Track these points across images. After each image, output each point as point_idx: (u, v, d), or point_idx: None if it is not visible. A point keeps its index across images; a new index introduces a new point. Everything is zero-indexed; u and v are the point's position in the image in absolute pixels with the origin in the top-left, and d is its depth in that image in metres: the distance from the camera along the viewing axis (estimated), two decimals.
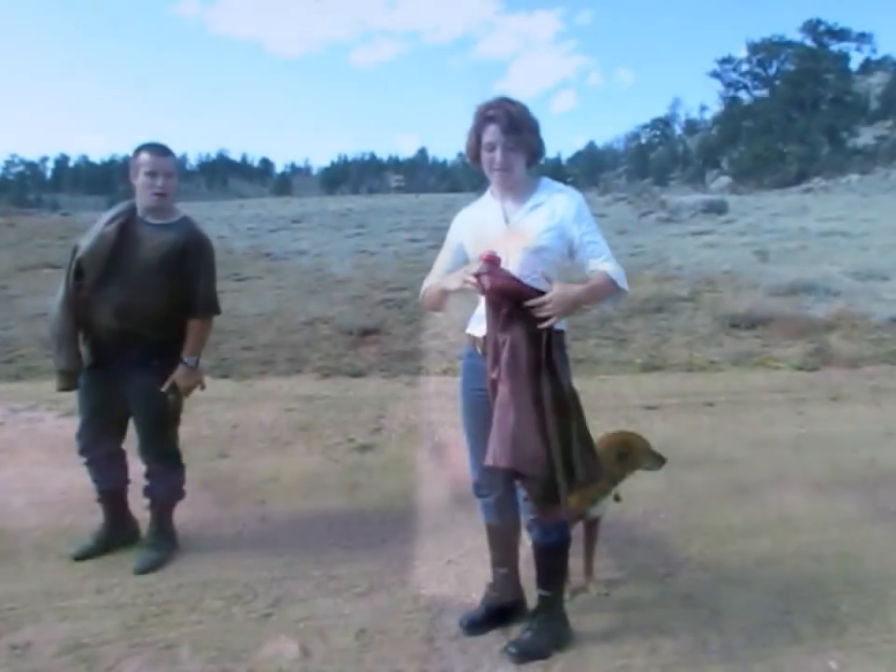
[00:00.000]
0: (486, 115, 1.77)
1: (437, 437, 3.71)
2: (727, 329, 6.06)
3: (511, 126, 1.74)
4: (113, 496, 2.45)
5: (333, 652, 1.88)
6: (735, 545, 2.48)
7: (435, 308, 1.98)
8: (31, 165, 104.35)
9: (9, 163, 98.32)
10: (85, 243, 2.26)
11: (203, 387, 2.42)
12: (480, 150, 1.81)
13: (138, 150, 2.28)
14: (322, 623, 2.02)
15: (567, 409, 1.71)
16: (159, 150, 2.27)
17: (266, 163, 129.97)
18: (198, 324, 2.34)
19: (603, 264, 1.79)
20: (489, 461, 1.65)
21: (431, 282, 1.96)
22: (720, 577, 2.26)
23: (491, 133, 1.77)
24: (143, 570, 2.30)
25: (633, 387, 4.59)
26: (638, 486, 2.99)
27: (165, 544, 2.43)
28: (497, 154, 1.77)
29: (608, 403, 4.15)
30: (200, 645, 1.92)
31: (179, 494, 2.48)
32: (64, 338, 2.24)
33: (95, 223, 2.33)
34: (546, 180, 1.90)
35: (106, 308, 2.23)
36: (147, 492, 2.43)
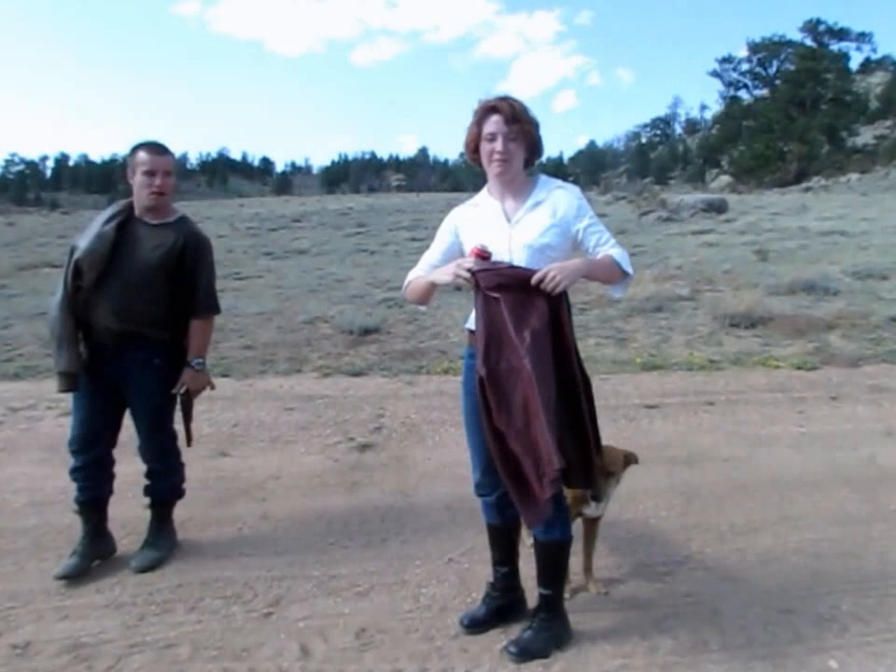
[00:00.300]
0: (488, 106, 1.78)
1: (437, 436, 3.71)
2: (727, 329, 6.06)
3: (514, 117, 1.75)
4: (96, 505, 2.37)
5: (333, 652, 1.88)
6: (735, 543, 2.48)
7: (419, 301, 1.96)
8: (31, 164, 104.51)
9: (9, 162, 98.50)
10: (83, 243, 2.22)
11: (212, 387, 2.42)
12: (479, 143, 1.81)
13: (135, 149, 2.25)
14: (322, 623, 2.02)
15: (589, 387, 1.77)
16: (157, 149, 2.24)
17: (266, 162, 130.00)
18: (199, 324, 2.32)
19: (609, 250, 1.82)
20: (557, 466, 1.56)
21: (417, 274, 1.95)
22: (720, 575, 2.26)
23: (493, 124, 1.77)
24: (143, 569, 2.30)
25: (633, 386, 4.59)
26: (638, 485, 3.01)
27: (165, 542, 2.42)
28: (498, 143, 1.76)
29: (608, 402, 4.14)
30: (200, 644, 1.92)
31: (179, 492, 2.48)
32: (64, 339, 2.20)
33: (92, 222, 2.30)
34: (544, 177, 1.89)
35: (106, 309, 2.20)
36: (148, 491, 2.42)
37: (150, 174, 2.21)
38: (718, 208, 15.86)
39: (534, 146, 1.83)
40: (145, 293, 2.22)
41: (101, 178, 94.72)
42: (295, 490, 3.05)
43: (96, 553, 2.36)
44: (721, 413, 4.04)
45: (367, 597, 2.16)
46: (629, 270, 1.81)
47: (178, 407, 2.38)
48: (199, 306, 2.31)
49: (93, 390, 2.29)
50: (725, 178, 40.21)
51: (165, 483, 2.41)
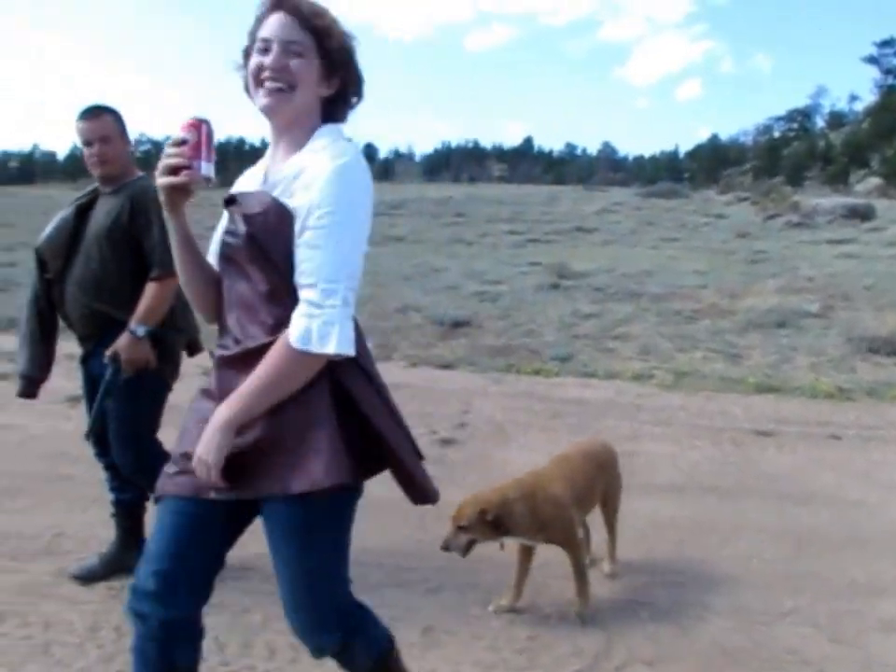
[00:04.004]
0: (273, 2, 1.13)
1: (522, 439, 3.61)
2: (863, 354, 5.34)
3: (308, 17, 1.11)
4: (129, 507, 2.16)
5: (399, 645, 1.87)
6: (852, 603, 2.16)
7: (196, 303, 1.28)
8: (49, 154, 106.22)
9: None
10: (46, 231, 2.05)
11: (152, 366, 2.00)
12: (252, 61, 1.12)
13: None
14: (390, 613, 2.02)
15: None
16: (88, 114, 1.98)
17: (370, 149, 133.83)
18: (153, 287, 1.96)
19: (298, 315, 1.08)
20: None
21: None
22: (830, 637, 1.97)
23: (270, 26, 1.11)
24: (79, 578, 2.08)
25: (743, 409, 4.18)
26: (742, 519, 2.72)
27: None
28: (272, 56, 1.09)
29: (712, 424, 3.81)
30: (272, 615, 1.97)
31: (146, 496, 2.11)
32: (26, 339, 2.04)
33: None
34: (328, 128, 1.17)
35: (75, 292, 2.00)
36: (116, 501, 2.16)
37: (87, 143, 1.98)
38: (863, 215, 14.09)
39: (348, 79, 1.17)
40: (106, 265, 1.97)
41: (140, 162, 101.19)
42: (374, 479, 3.09)
43: (120, 564, 2.12)
44: (850, 450, 3.56)
45: (436, 595, 2.14)
46: (321, 350, 1.07)
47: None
48: (152, 266, 1.97)
49: (87, 387, 2.10)
50: (874, 181, 35.53)
51: (136, 488, 2.11)
